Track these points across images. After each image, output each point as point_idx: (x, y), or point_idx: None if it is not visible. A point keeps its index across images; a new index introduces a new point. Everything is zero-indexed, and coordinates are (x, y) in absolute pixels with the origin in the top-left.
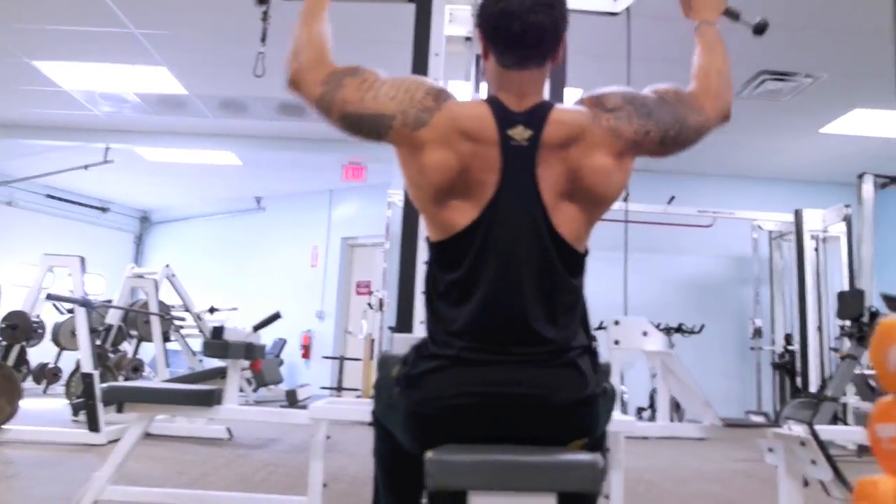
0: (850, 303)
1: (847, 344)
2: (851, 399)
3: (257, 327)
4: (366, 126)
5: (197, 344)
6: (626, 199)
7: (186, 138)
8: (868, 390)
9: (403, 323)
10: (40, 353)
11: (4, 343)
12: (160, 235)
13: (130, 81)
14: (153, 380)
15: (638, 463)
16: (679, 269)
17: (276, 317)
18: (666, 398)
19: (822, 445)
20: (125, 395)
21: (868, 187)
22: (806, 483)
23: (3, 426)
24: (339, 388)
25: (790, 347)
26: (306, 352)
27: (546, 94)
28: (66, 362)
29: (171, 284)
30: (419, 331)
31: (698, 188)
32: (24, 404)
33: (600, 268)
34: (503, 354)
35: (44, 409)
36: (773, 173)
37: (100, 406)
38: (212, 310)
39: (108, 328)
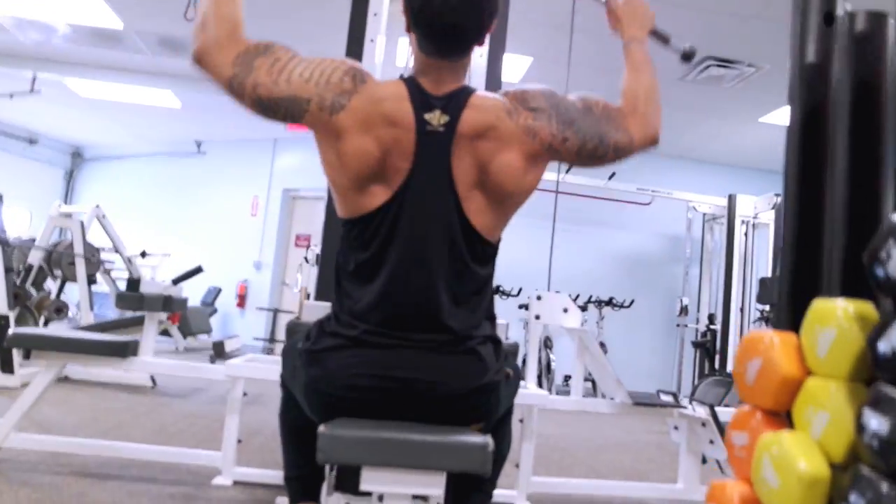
0: (770, 288)
1: (764, 328)
2: None
3: (177, 280)
4: (280, 110)
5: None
6: (567, 171)
7: (122, 74)
8: None
9: (323, 291)
10: None
11: None
12: (93, 173)
13: (62, 10)
14: (78, 323)
15: (556, 431)
16: (616, 243)
17: (198, 270)
18: (581, 374)
19: (721, 427)
20: (31, 342)
21: None
22: (704, 460)
23: None
24: (271, 340)
25: (712, 326)
26: (241, 301)
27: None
28: None
29: (102, 226)
30: None
31: (639, 166)
32: None
33: (536, 235)
34: (403, 339)
35: None
36: (711, 157)
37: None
38: (143, 254)
39: (29, 268)
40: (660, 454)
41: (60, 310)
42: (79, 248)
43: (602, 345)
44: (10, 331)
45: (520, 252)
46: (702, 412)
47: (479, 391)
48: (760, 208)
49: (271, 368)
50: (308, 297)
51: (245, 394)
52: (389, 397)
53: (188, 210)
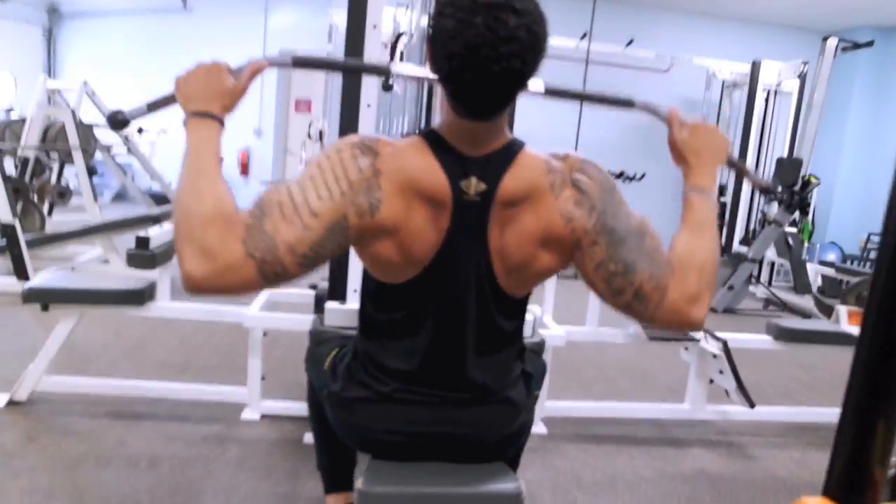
0: (787, 169)
1: (776, 209)
2: (770, 254)
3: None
4: (328, 249)
5: (125, 160)
6: (585, 37)
7: None
8: (786, 248)
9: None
10: None
11: None
12: (74, 33)
13: None
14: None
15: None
16: (631, 111)
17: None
18: (597, 307)
19: (732, 362)
20: (50, 297)
21: (830, 52)
22: (711, 381)
23: None
24: None
25: (722, 199)
26: (244, 169)
27: None
28: None
29: (92, 102)
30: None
31: (657, 30)
32: None
33: (551, 105)
34: (435, 396)
35: None
36: (736, 14)
37: (26, 255)
38: (140, 130)
39: (25, 160)
40: (665, 352)
41: (63, 194)
42: (73, 140)
43: None
44: (27, 285)
45: (535, 121)
46: (714, 347)
47: (511, 436)
48: (785, 76)
49: (288, 319)
50: None
51: (265, 334)
52: (424, 450)
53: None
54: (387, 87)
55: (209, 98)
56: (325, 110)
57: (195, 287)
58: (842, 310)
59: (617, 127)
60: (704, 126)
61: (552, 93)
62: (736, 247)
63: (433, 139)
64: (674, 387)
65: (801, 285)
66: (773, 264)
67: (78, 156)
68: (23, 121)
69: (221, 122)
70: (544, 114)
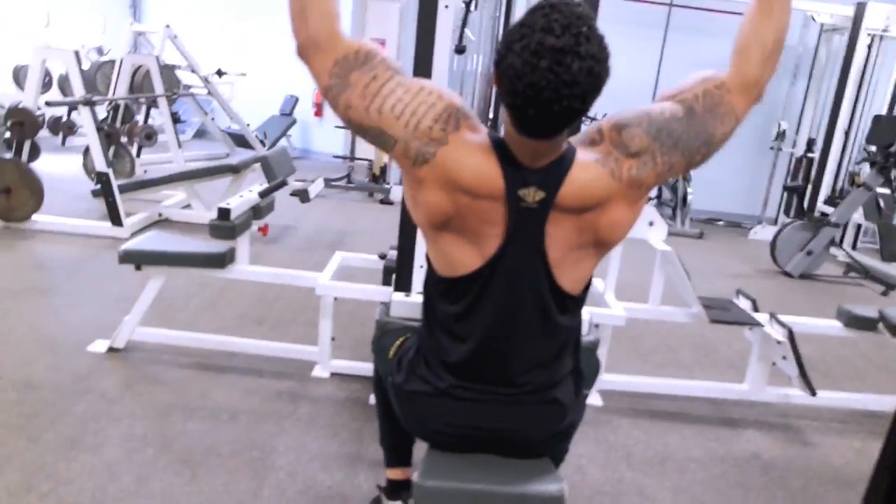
0: (884, 127)
1: (867, 170)
2: (856, 216)
3: (264, 194)
4: (369, 136)
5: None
6: None
7: None
8: (875, 212)
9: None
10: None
11: (15, 140)
12: None
13: None
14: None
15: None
16: (717, 53)
17: (282, 184)
18: (660, 285)
19: (797, 350)
20: (142, 259)
21: None
22: (774, 364)
23: (32, 217)
24: (351, 158)
25: (810, 154)
26: (319, 110)
27: None
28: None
29: (175, 46)
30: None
31: None
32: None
33: (641, 47)
34: (489, 394)
35: (64, 177)
36: None
37: (119, 201)
38: (219, 73)
39: (116, 107)
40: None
41: (150, 136)
42: (159, 87)
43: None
44: (122, 247)
45: (625, 67)
46: (779, 333)
47: (558, 435)
48: (894, 20)
49: (357, 290)
50: None
51: (336, 298)
52: (476, 443)
53: (257, 20)
54: (459, 51)
55: None
56: (398, 52)
57: (298, 49)
58: None
59: (708, 68)
60: None
61: None
62: (820, 205)
63: (500, 147)
64: (736, 362)
65: (888, 252)
66: (859, 226)
67: (163, 101)
68: (112, 62)
69: None
70: (628, 56)
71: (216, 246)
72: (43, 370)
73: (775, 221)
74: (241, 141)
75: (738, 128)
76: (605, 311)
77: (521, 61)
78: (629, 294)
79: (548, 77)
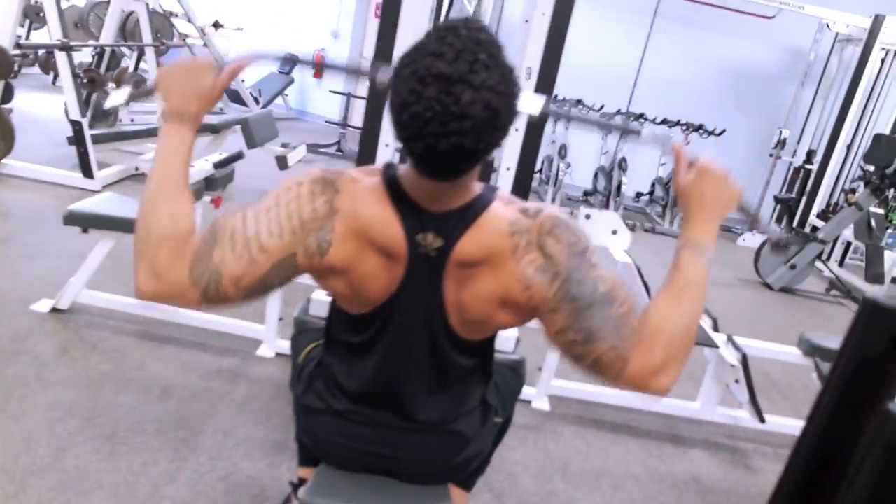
0: (883, 147)
1: (861, 190)
2: (847, 233)
3: (219, 165)
4: (275, 282)
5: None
6: None
7: None
8: (866, 232)
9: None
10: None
11: None
12: None
13: None
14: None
15: None
16: (722, 53)
17: (238, 157)
18: None
19: (748, 376)
20: (88, 222)
21: None
22: (727, 385)
23: (1, 161)
24: (343, 125)
25: (808, 166)
26: (318, 71)
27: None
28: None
29: None
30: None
31: None
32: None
33: (632, 33)
34: (385, 422)
35: (48, 119)
36: None
37: (91, 152)
38: (216, 25)
39: (101, 52)
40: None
41: (139, 84)
42: (147, 35)
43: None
44: (69, 207)
45: (606, 53)
46: (733, 358)
47: (458, 465)
48: None
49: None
50: None
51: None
52: (370, 466)
53: None
54: None
55: (187, 97)
56: None
57: (145, 298)
58: None
59: (707, 68)
60: (714, 172)
61: (552, 114)
62: (812, 219)
63: (394, 188)
64: (696, 375)
65: (872, 275)
66: (848, 243)
67: (150, 51)
68: (108, 3)
69: (196, 125)
70: (617, 44)
71: None
72: None
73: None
74: (235, 97)
75: (610, 379)
76: None
77: (407, 89)
78: None
79: (434, 108)
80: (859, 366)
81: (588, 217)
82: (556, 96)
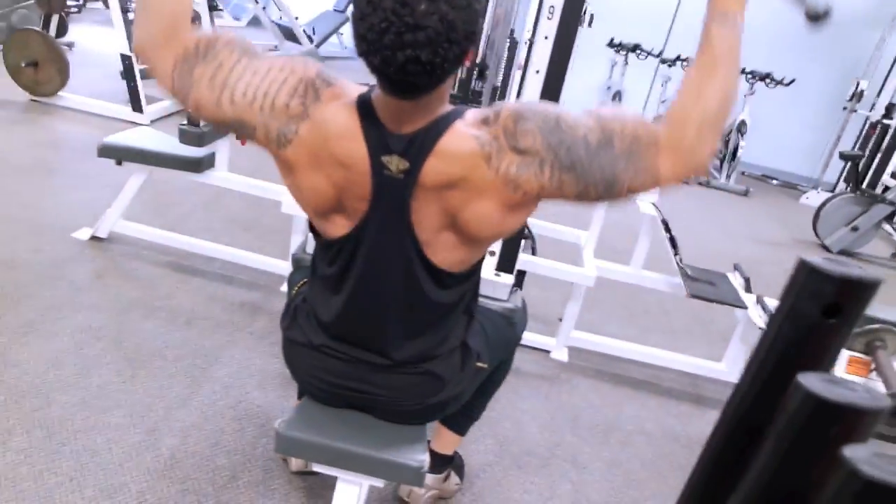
0: None
1: None
2: None
3: None
4: (230, 130)
5: None
6: None
7: None
8: None
9: None
10: None
11: (42, 13)
12: None
13: None
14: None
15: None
16: None
17: None
18: (645, 248)
19: None
20: (121, 154)
21: None
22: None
23: (58, 93)
24: None
25: (887, 121)
26: None
27: None
28: None
29: None
30: None
31: None
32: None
33: None
34: (360, 357)
35: (106, 53)
36: None
37: (141, 87)
38: None
39: None
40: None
41: (194, 20)
42: None
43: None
44: (102, 140)
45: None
46: (762, 320)
47: (434, 406)
48: None
49: None
50: None
51: None
52: (347, 401)
53: None
54: None
55: None
56: None
57: (137, 52)
58: (842, 355)
59: (764, 9)
60: None
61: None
62: (887, 179)
63: (364, 106)
64: (729, 336)
65: None
66: None
67: None
68: None
69: None
70: None
71: (197, 150)
72: (24, 251)
73: (833, 188)
74: (290, 34)
75: (653, 189)
76: (574, 270)
77: (366, 1)
78: (618, 250)
79: (389, 18)
80: (788, 334)
81: None
82: (611, 39)
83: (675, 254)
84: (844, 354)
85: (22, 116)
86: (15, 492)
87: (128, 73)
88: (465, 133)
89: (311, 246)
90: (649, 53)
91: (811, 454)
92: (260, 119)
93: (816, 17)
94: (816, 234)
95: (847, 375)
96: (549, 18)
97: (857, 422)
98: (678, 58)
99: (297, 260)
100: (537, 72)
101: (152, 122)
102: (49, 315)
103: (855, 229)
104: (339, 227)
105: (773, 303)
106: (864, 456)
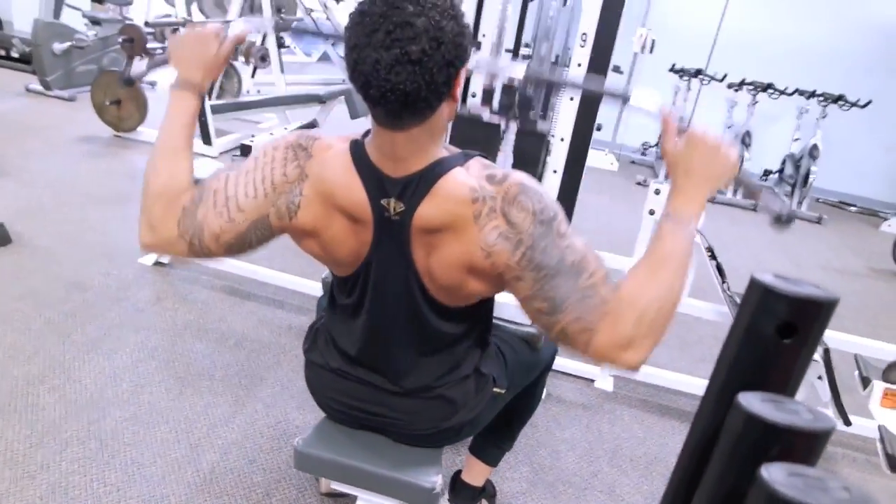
0: None
1: None
2: None
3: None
4: (253, 242)
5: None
6: None
7: None
8: None
9: None
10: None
11: (126, 55)
12: None
13: None
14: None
15: None
16: (872, 8)
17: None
18: (691, 275)
19: (832, 374)
20: None
21: None
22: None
23: (137, 128)
24: None
25: None
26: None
27: None
28: None
29: None
30: None
31: None
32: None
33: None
34: (375, 382)
35: None
36: None
37: (210, 121)
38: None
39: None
40: None
41: (264, 58)
42: (268, 15)
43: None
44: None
45: (731, 14)
46: (815, 353)
47: (448, 430)
48: None
49: None
50: None
51: None
52: (362, 423)
53: None
54: None
55: (195, 65)
56: None
57: (143, 249)
58: (877, 386)
59: (837, 28)
60: (706, 141)
61: (533, 79)
62: None
63: (359, 155)
64: None
65: None
66: None
67: (270, 27)
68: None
69: (199, 92)
70: (761, 6)
71: None
72: (95, 274)
73: None
74: None
75: (577, 352)
76: None
77: (358, 13)
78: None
79: (378, 21)
80: (742, 354)
81: (657, 192)
82: (673, 65)
83: (723, 281)
84: (879, 386)
85: (105, 150)
86: (66, 499)
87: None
88: (463, 182)
89: None
90: (712, 77)
91: (745, 472)
92: (268, 204)
93: (780, 221)
94: None
95: (882, 409)
96: (581, 46)
97: (794, 442)
98: (743, 82)
99: (327, 284)
100: (562, 140)
101: (221, 153)
102: (112, 334)
103: None
104: (346, 266)
105: (848, 337)
106: (780, 476)
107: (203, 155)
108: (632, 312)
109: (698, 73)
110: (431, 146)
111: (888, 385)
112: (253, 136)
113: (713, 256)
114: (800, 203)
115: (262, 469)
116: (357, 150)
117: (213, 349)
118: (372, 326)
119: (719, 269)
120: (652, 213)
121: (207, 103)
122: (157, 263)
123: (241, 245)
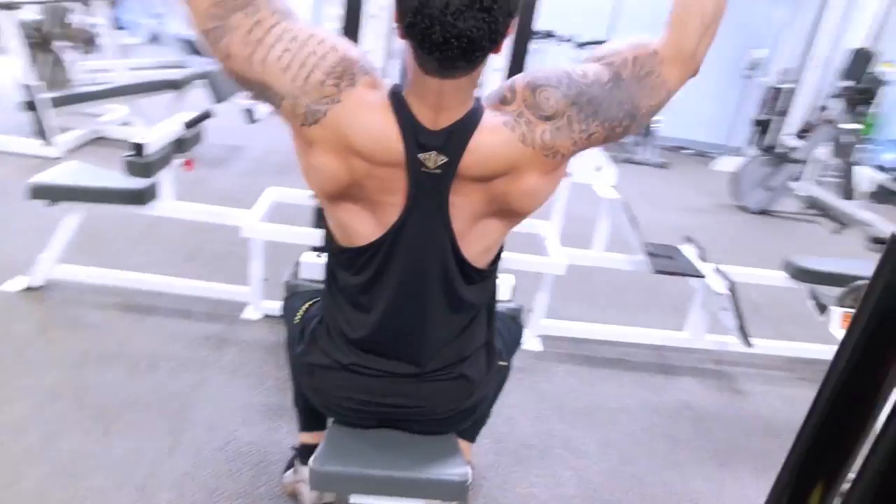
0: (857, 62)
1: (837, 106)
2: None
3: (190, 125)
4: (253, 90)
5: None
6: None
7: None
8: (842, 149)
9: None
10: None
11: None
12: None
13: None
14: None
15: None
16: None
17: (206, 116)
18: (606, 232)
19: (737, 304)
20: (56, 194)
21: None
22: (715, 312)
23: None
24: None
25: (783, 86)
26: None
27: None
28: None
29: None
30: None
31: None
32: None
33: None
34: (393, 371)
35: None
36: None
37: (46, 116)
38: None
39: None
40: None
41: (89, 41)
42: None
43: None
44: (33, 180)
45: None
46: (721, 286)
47: (466, 410)
48: None
49: (286, 233)
50: None
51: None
52: (379, 418)
53: None
54: None
55: None
56: None
57: None
58: (835, 312)
59: None
60: None
61: None
62: (787, 139)
63: (399, 106)
64: (680, 305)
65: (845, 190)
66: (825, 161)
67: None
68: None
69: None
70: None
71: (137, 181)
72: None
73: (739, 153)
74: (194, 48)
75: (668, 101)
76: (545, 261)
77: None
78: (575, 236)
79: None
80: (887, 303)
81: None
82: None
83: (638, 233)
84: (837, 311)
85: None
86: None
87: (30, 103)
88: (496, 122)
89: (305, 271)
90: (562, 39)
91: None
92: (290, 89)
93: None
94: (736, 196)
95: (842, 330)
96: None
97: None
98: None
99: (291, 286)
100: None
101: (68, 152)
102: None
103: (769, 189)
104: (368, 232)
105: (729, 269)
106: None
107: (44, 157)
108: (695, 38)
109: (548, 35)
110: (471, 94)
111: (845, 309)
112: (97, 131)
113: (629, 211)
114: (648, 151)
115: (226, 497)
116: (398, 99)
117: (126, 377)
118: (401, 302)
119: (633, 221)
120: None
121: (38, 95)
122: (29, 289)
123: (240, 80)
